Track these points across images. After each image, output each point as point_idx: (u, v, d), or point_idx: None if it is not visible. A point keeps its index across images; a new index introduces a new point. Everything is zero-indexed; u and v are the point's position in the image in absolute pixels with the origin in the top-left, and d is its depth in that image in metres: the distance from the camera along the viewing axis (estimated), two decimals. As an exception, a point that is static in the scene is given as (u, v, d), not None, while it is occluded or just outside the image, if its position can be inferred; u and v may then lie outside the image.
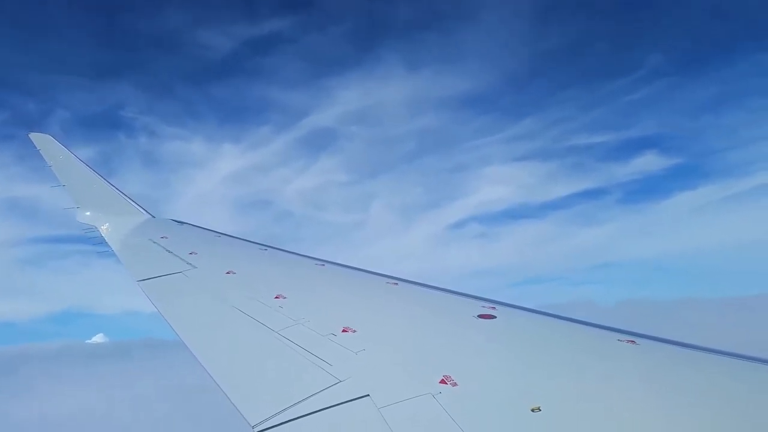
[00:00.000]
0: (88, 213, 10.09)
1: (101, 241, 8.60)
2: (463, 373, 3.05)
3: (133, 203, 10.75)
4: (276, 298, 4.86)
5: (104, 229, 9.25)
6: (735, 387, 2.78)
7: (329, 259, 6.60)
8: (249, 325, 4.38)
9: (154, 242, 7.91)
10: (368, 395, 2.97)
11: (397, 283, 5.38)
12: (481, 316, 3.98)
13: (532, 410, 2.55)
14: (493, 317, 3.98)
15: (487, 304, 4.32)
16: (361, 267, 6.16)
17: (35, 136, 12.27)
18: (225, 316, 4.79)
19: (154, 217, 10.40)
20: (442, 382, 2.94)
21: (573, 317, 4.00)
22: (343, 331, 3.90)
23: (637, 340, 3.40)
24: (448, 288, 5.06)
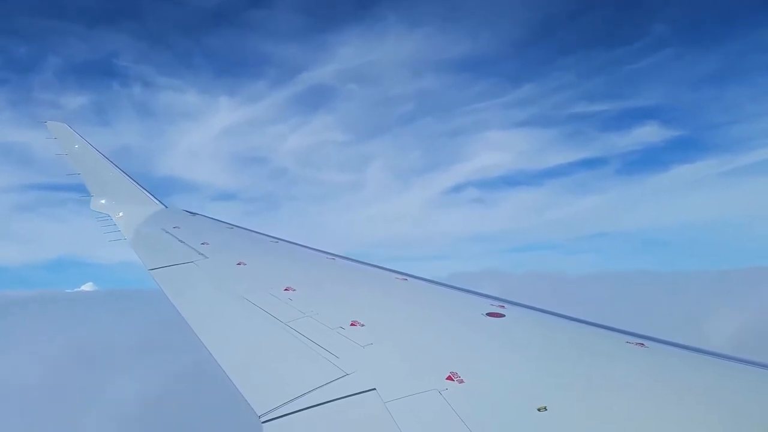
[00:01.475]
0: (102, 201, 10.22)
1: (114, 229, 8.71)
2: (470, 370, 3.05)
3: (146, 193, 10.86)
4: (286, 290, 4.89)
5: (118, 217, 9.35)
6: (743, 393, 2.76)
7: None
8: (258, 316, 4.42)
9: (167, 232, 7.98)
10: (374, 389, 2.99)
11: (406, 279, 5.39)
12: (490, 315, 3.97)
13: (538, 410, 2.55)
14: (502, 316, 3.97)
15: (496, 303, 4.31)
16: (371, 262, 6.18)
17: (51, 125, 12.40)
18: (234, 306, 4.82)
19: (167, 207, 10.49)
20: (449, 378, 2.94)
21: (580, 318, 3.98)
22: (352, 324, 3.91)
23: (646, 342, 3.37)
24: (458, 286, 5.06)
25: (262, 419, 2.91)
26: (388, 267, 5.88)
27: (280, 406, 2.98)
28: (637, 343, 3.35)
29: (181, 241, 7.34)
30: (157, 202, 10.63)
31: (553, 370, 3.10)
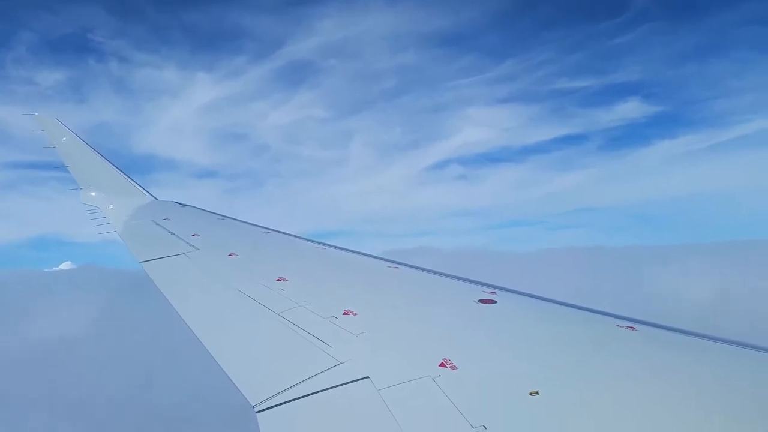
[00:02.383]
0: (92, 194, 10.14)
1: (104, 222, 8.65)
2: (463, 356, 3.07)
3: (136, 185, 10.78)
4: (278, 280, 4.89)
5: (108, 210, 9.28)
6: (735, 375, 2.79)
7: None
8: (251, 306, 4.41)
9: (157, 224, 7.94)
10: (368, 377, 3.00)
11: (398, 267, 5.40)
12: (481, 301, 3.99)
13: (531, 394, 2.57)
14: (494, 302, 3.99)
15: (487, 290, 4.33)
16: (362, 251, 6.19)
17: (39, 117, 12.26)
18: (227, 297, 4.82)
19: (156, 199, 10.43)
20: (442, 365, 2.96)
21: (572, 303, 4.01)
22: (344, 313, 3.92)
23: (637, 326, 3.41)
24: (450, 273, 5.08)
25: (257, 409, 2.92)
26: (379, 256, 5.90)
27: (274, 395, 2.99)
28: (627, 327, 3.38)
29: (172, 233, 7.30)
30: (147, 193, 10.57)
31: (544, 355, 3.12)
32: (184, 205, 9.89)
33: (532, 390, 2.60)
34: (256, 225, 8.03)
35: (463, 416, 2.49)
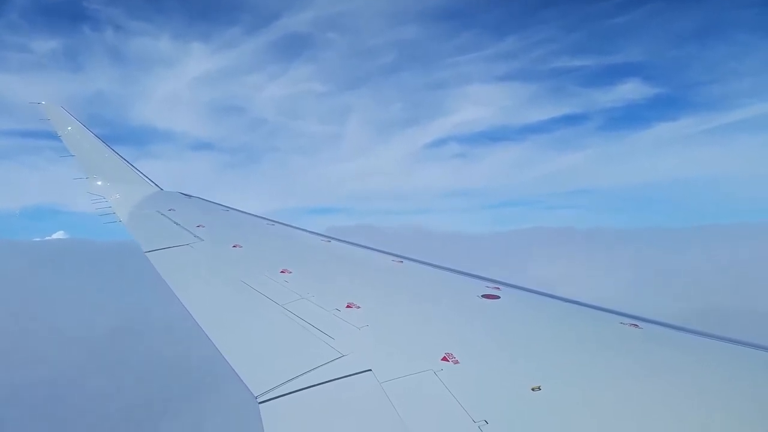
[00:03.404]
0: (99, 183, 10.19)
1: (110, 211, 8.70)
2: (465, 351, 3.07)
3: (141, 175, 10.83)
4: (282, 272, 4.90)
5: (113, 199, 9.32)
6: (737, 374, 2.79)
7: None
8: (254, 298, 4.43)
9: (162, 214, 7.97)
10: (370, 370, 3.01)
11: (402, 261, 5.40)
12: (485, 296, 4.00)
13: (533, 389, 2.58)
14: (497, 297, 4.00)
15: (491, 285, 4.33)
16: (366, 245, 6.20)
17: (45, 106, 12.29)
18: (231, 288, 4.83)
19: (162, 189, 10.47)
20: (444, 359, 2.97)
21: (573, 299, 4.01)
22: (348, 306, 3.93)
23: (640, 323, 3.40)
24: (453, 267, 5.08)
25: (259, 400, 2.93)
26: (383, 250, 5.90)
27: (277, 386, 3.00)
28: (630, 324, 3.38)
29: (177, 224, 7.33)
30: (152, 183, 10.61)
31: (547, 351, 3.13)
32: (190, 196, 9.93)
33: (534, 385, 2.60)
34: (261, 217, 8.06)
35: (464, 410, 2.50)
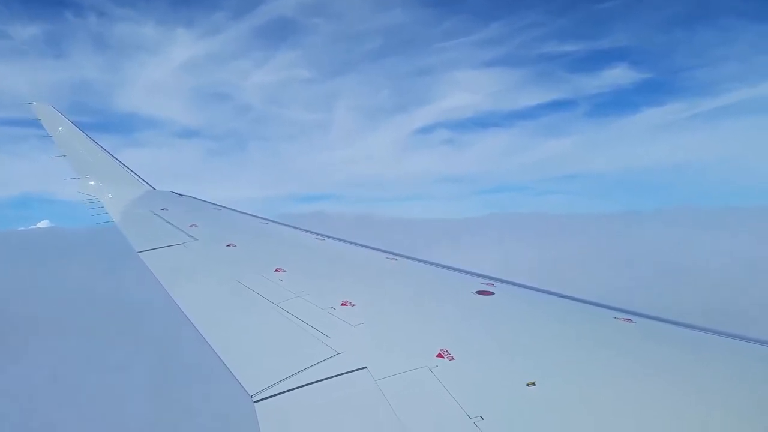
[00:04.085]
0: (91, 183, 10.14)
1: (102, 212, 8.65)
2: (460, 347, 3.08)
3: (133, 175, 10.77)
4: (276, 271, 4.89)
5: (106, 199, 9.27)
6: (733, 369, 2.80)
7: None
8: (249, 297, 4.42)
9: (155, 214, 7.93)
10: (365, 367, 3.01)
11: (396, 259, 5.40)
12: (479, 293, 4.00)
13: (527, 385, 2.59)
14: (492, 294, 4.01)
15: (485, 281, 4.34)
16: (361, 242, 6.20)
17: (36, 106, 12.19)
18: (225, 288, 4.82)
19: (154, 189, 10.42)
20: (439, 356, 2.97)
21: (569, 295, 4.03)
22: (342, 304, 3.93)
23: (634, 318, 3.42)
24: (447, 264, 5.09)
25: (255, 398, 2.93)
26: (377, 247, 5.90)
27: (272, 385, 3.00)
28: (624, 319, 3.40)
29: (170, 223, 7.30)
30: (145, 183, 10.57)
31: (541, 347, 3.14)
32: (182, 195, 9.90)
33: (529, 381, 2.61)
34: (254, 215, 8.04)
35: (460, 406, 2.51)
